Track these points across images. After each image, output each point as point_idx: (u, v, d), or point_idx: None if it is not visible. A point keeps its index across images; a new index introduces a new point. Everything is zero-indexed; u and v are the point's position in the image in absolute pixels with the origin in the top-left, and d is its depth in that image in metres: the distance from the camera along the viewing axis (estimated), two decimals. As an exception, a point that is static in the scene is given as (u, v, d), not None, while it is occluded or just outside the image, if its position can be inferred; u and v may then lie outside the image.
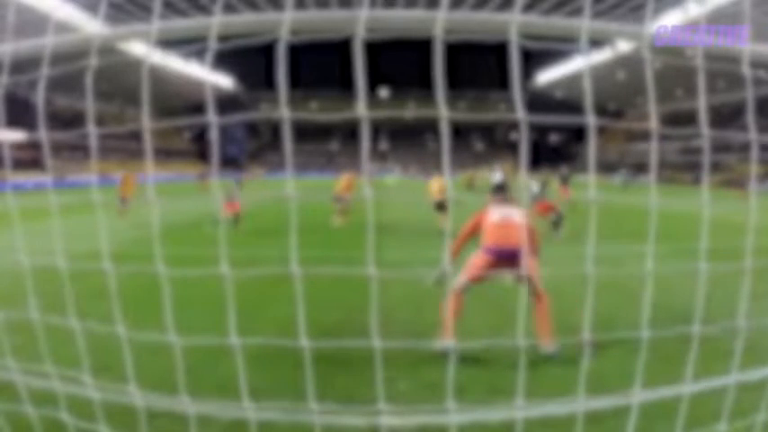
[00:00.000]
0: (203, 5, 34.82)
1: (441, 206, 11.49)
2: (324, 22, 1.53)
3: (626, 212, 13.29)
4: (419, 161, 58.24)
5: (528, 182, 12.07)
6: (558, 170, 19.97)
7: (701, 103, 1.66)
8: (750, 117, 1.76)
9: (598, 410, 2.31)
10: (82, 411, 2.05)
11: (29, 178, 30.71)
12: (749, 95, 1.76)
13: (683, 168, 40.28)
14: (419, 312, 4.94)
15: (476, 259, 4.12)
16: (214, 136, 1.58)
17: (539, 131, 64.16)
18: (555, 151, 63.22)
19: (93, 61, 1.61)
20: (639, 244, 8.69)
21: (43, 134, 1.84)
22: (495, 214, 4.30)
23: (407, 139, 65.42)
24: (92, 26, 30.09)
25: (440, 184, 11.81)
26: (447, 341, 3.69)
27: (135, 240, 9.46)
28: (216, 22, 1.39)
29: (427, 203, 12.23)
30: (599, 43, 40.47)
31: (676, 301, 4.78)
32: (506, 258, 4.02)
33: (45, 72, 1.64)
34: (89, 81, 1.63)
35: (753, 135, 1.71)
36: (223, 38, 1.43)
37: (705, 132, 1.66)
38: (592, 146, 1.75)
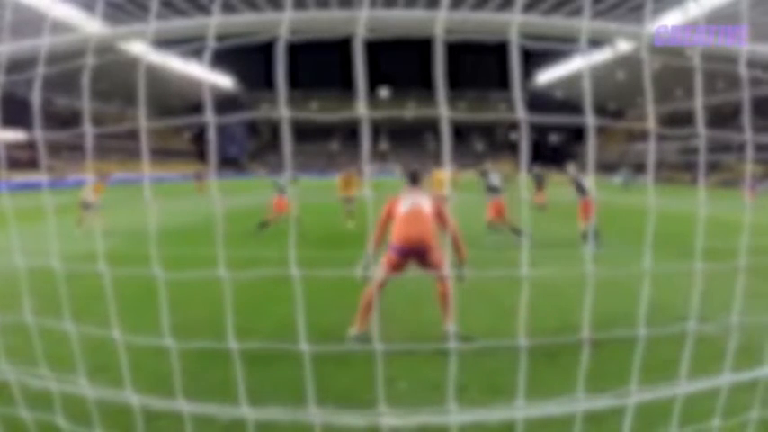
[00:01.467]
0: (203, 5, 34.81)
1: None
2: (324, 22, 1.53)
3: (625, 213, 13.30)
4: (419, 161, 58.25)
5: (576, 173, 10.26)
6: (531, 171, 18.19)
7: (698, 104, 1.66)
8: (746, 117, 1.77)
9: (598, 410, 2.31)
10: (80, 413, 2.05)
11: (29, 178, 30.73)
12: (745, 96, 1.76)
13: (682, 168, 40.30)
14: (419, 312, 4.94)
15: (385, 259, 4.23)
16: (212, 136, 1.58)
17: (539, 131, 64.17)
18: (555, 151, 63.21)
19: (90, 61, 1.61)
20: (638, 244, 8.69)
21: (38, 134, 1.84)
22: (404, 204, 4.30)
23: (407, 140, 65.43)
24: (91, 26, 30.09)
25: (440, 177, 11.89)
26: (353, 330, 4.10)
27: (133, 240, 9.46)
28: (214, 22, 1.39)
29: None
30: (599, 43, 40.52)
31: (676, 301, 4.78)
32: (414, 254, 4.15)
33: (41, 71, 1.64)
34: (85, 80, 1.63)
35: (748, 135, 1.71)
36: (222, 37, 1.43)
37: (702, 132, 1.66)
38: (591, 146, 1.75)
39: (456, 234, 4.29)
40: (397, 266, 4.18)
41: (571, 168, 9.62)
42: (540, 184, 16.12)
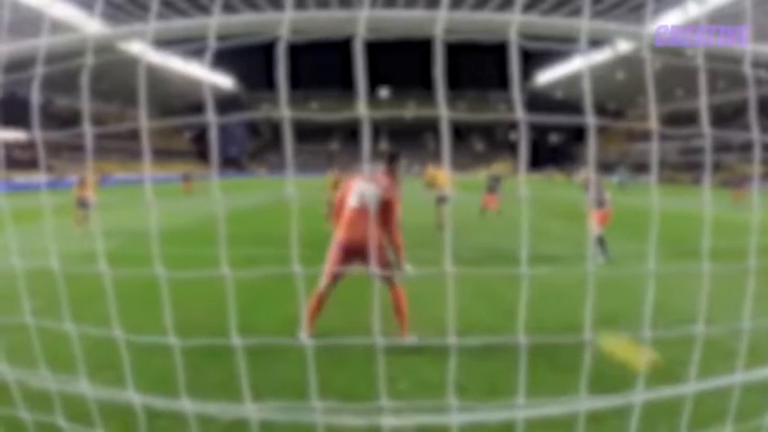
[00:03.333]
0: (203, 5, 34.85)
1: (441, 200, 11.63)
2: (324, 22, 1.53)
3: (623, 212, 13.29)
4: (419, 161, 58.32)
5: (587, 179, 8.68)
6: (489, 172, 16.48)
7: (702, 103, 1.66)
8: (752, 116, 1.76)
9: (600, 411, 2.31)
10: (81, 413, 2.05)
11: (29, 178, 30.77)
12: (751, 95, 1.76)
13: (683, 168, 40.30)
14: (419, 311, 4.94)
15: (330, 255, 4.03)
16: (213, 135, 1.58)
17: (538, 131, 64.21)
18: (555, 151, 63.27)
19: (89, 61, 1.61)
20: (639, 244, 8.69)
21: (37, 133, 1.84)
22: (354, 197, 4.05)
23: (407, 139, 65.48)
24: (91, 25, 30.10)
25: (442, 177, 11.88)
26: (303, 335, 3.88)
27: (133, 240, 9.46)
28: (215, 22, 1.39)
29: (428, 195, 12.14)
30: (599, 43, 40.52)
31: (679, 301, 4.78)
32: (356, 252, 3.95)
33: (39, 71, 1.64)
34: (84, 80, 1.63)
35: (755, 135, 1.71)
36: (222, 37, 1.43)
37: (706, 131, 1.66)
38: (591, 146, 1.75)
39: (395, 237, 4.05)
40: (341, 262, 3.99)
41: (583, 173, 8.73)
42: (492, 187, 14.58)
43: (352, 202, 4.05)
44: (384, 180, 4.10)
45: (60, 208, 11.25)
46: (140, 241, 9.28)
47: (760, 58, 1.67)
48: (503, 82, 60.09)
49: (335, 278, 3.99)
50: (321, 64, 59.05)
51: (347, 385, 3.28)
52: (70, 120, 43.52)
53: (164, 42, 1.81)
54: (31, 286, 2.09)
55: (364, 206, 3.98)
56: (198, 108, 53.17)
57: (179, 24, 1.51)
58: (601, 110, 55.19)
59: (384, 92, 67.31)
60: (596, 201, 7.97)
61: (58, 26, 29.35)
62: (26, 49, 1.73)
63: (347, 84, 55.02)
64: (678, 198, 10.58)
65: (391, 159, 4.23)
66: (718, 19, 26.80)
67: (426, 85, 58.74)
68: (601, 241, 7.72)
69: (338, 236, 4.04)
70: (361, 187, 4.07)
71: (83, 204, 10.64)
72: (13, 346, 2.64)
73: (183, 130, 61.40)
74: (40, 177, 32.31)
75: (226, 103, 59.85)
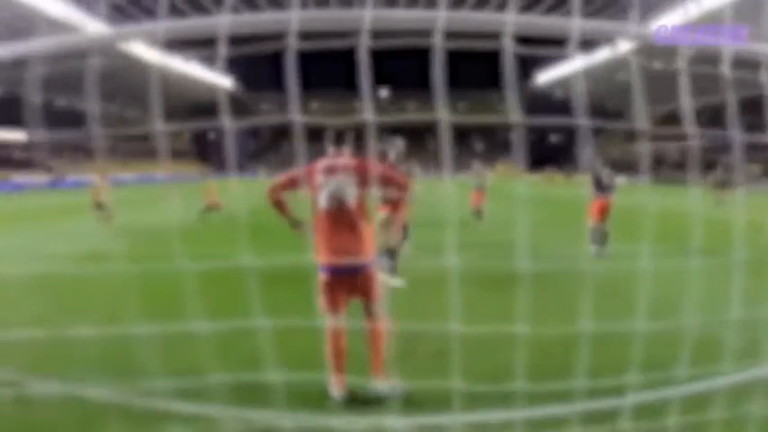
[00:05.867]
0: (204, 6, 34.92)
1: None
2: (330, 21, 1.54)
3: (621, 212, 13.26)
4: (420, 161, 58.33)
5: (599, 168, 8.16)
6: (474, 169, 12.70)
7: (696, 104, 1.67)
8: None
9: (598, 410, 2.32)
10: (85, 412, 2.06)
11: (29, 178, 30.78)
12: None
13: (682, 168, 40.31)
14: (418, 311, 4.95)
15: (317, 286, 3.08)
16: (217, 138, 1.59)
17: (539, 132, 64.33)
18: (557, 151, 63.33)
19: (95, 61, 1.62)
20: (635, 243, 8.70)
21: (44, 134, 1.85)
22: (324, 193, 2.98)
23: (407, 139, 65.36)
24: (94, 26, 30.16)
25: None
26: (334, 390, 2.98)
27: (141, 239, 9.48)
28: (223, 23, 1.40)
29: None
30: (598, 44, 40.59)
31: (674, 300, 4.78)
32: (345, 273, 3.00)
33: (41, 71, 1.65)
34: (91, 81, 1.64)
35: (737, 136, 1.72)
36: (231, 38, 1.44)
37: (694, 132, 1.67)
38: (587, 147, 1.76)
39: (403, 198, 3.11)
40: (333, 292, 3.02)
41: (596, 163, 8.51)
42: (478, 184, 12.57)
43: (323, 202, 2.98)
44: (355, 162, 3.05)
45: (61, 208, 11.27)
46: (153, 239, 9.30)
47: (759, 58, 1.68)
48: (502, 83, 60.06)
49: (336, 311, 3.07)
50: (323, 64, 58.96)
51: (348, 386, 3.29)
52: (72, 120, 43.50)
53: (167, 43, 1.83)
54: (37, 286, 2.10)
55: (340, 203, 2.97)
56: (198, 108, 53.18)
57: (182, 25, 1.53)
58: (600, 110, 55.27)
59: (384, 92, 67.36)
60: (595, 188, 7.96)
61: (58, 26, 29.37)
62: (25, 49, 1.74)
63: (349, 84, 55.03)
64: (675, 197, 10.57)
65: (357, 138, 3.22)
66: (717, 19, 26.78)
67: (426, 85, 58.67)
68: (597, 235, 7.74)
69: (319, 254, 3.03)
70: (331, 183, 2.99)
71: (101, 207, 10.81)
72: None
73: (182, 130, 61.38)
74: (38, 177, 32.33)
75: (227, 104, 59.84)
